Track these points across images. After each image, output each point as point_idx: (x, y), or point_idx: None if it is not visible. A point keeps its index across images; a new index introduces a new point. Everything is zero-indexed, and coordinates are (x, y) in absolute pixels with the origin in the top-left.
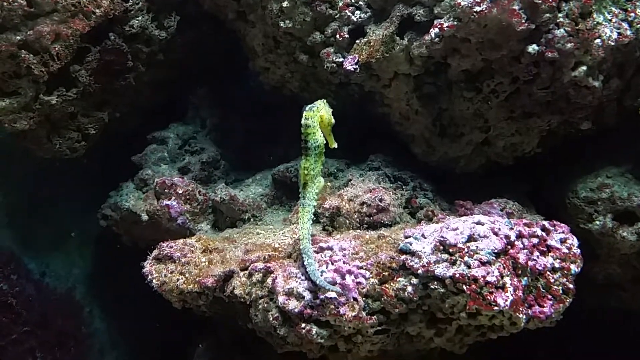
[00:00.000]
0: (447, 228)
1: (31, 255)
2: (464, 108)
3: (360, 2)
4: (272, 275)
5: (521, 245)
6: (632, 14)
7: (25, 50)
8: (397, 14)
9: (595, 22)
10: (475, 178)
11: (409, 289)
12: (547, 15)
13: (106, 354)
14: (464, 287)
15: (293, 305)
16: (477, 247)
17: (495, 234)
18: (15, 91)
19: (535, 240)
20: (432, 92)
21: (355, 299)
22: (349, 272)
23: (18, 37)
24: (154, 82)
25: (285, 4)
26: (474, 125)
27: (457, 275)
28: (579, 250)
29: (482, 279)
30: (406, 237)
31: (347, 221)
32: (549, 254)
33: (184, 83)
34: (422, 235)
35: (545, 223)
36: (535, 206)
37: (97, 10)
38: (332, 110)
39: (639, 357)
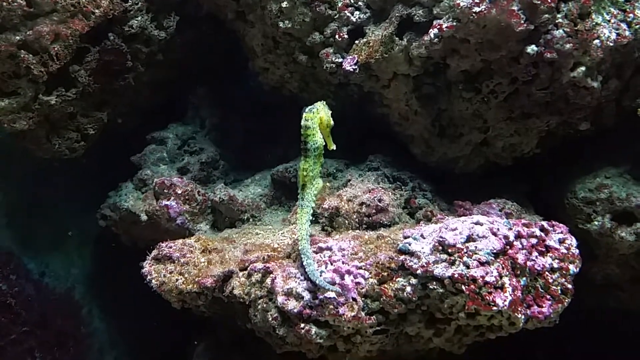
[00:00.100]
0: (446, 228)
1: (30, 255)
2: (463, 108)
3: (360, 3)
4: (271, 275)
5: (520, 246)
6: (631, 15)
7: (25, 50)
8: (396, 14)
9: (594, 23)
10: (474, 178)
11: (408, 289)
12: (546, 15)
13: (105, 353)
14: (463, 287)
15: (292, 305)
16: (476, 247)
17: (494, 234)
18: (14, 91)
19: (534, 241)
20: (431, 93)
21: (354, 299)
22: (348, 272)
23: (17, 37)
24: (154, 82)
25: (284, 4)
26: (473, 125)
27: (456, 276)
28: (577, 251)
29: (481, 279)
30: (405, 238)
31: (346, 221)
32: (548, 254)
33: (183, 83)
34: (421, 235)
35: (544, 223)
36: (534, 206)
37: (97, 11)
38: (331, 112)
39: (637, 358)
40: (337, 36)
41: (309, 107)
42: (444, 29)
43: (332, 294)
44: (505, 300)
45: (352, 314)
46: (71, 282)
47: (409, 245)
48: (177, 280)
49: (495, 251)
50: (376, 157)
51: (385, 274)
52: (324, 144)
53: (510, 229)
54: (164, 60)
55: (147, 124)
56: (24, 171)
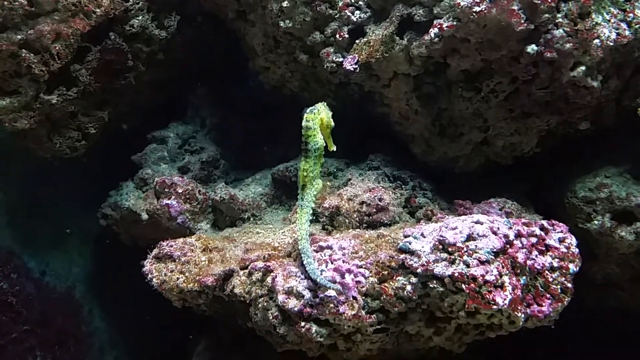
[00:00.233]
0: (446, 227)
1: (31, 254)
2: (464, 108)
3: (360, 2)
4: (271, 274)
5: (520, 245)
6: (631, 15)
7: (26, 49)
8: (397, 14)
9: (594, 23)
10: (475, 178)
11: (408, 287)
12: (546, 15)
13: (106, 352)
14: (463, 286)
15: (293, 304)
16: (476, 246)
17: (494, 233)
18: (15, 90)
19: (534, 240)
20: (431, 92)
21: (354, 298)
22: (349, 271)
23: (19, 37)
24: (154, 81)
25: (285, 4)
26: (473, 125)
27: (456, 274)
28: (577, 250)
29: (481, 278)
30: (405, 237)
31: (347, 220)
32: (548, 253)
33: (184, 83)
34: (422, 234)
35: (544, 222)
36: (534, 206)
37: (98, 10)
38: (332, 112)
39: (636, 357)
40: (337, 35)
41: (310, 107)
42: (445, 29)
43: (332, 293)
44: (505, 299)
45: (353, 312)
46: (72, 281)
47: (410, 244)
48: (178, 279)
49: (495, 250)
50: (376, 156)
51: (386, 272)
52: (325, 144)
53: (510, 228)
54: (164, 60)
55: (147, 123)
56: (24, 170)
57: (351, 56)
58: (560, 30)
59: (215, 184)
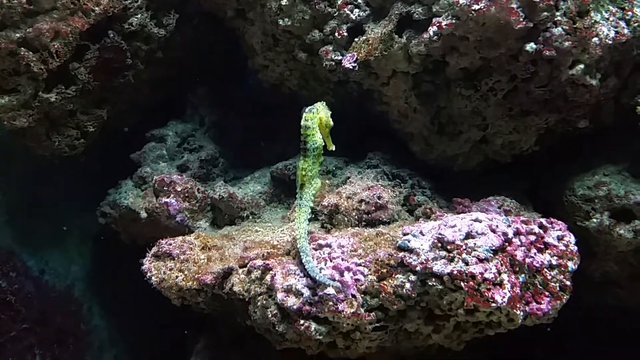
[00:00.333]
0: (445, 225)
1: (30, 253)
2: (462, 106)
3: (359, 1)
4: (270, 272)
5: (519, 243)
6: (630, 13)
7: (25, 47)
8: (396, 12)
9: (592, 21)
10: (473, 176)
11: (407, 285)
12: (545, 13)
13: (105, 351)
14: (462, 283)
15: (292, 301)
16: (474, 244)
17: (493, 231)
18: (14, 88)
19: (532, 238)
20: (430, 90)
21: (353, 296)
22: (348, 269)
23: (17, 35)
24: (153, 80)
25: (284, 2)
26: (472, 123)
27: (455, 272)
28: (576, 248)
29: (480, 275)
30: (404, 235)
31: (346, 218)
32: (547, 251)
33: (182, 81)
34: (420, 232)
35: (543, 220)
36: (533, 204)
37: (97, 8)
38: (330, 111)
39: (635, 354)
40: (336, 34)
41: (309, 107)
42: (443, 27)
43: (331, 291)
44: (504, 297)
45: (352, 310)
46: (71, 279)
47: (408, 242)
48: (177, 277)
49: (494, 248)
50: (375, 154)
51: (385, 270)
52: (324, 144)
53: (509, 226)
54: (163, 58)
55: (146, 121)
56: (23, 169)
57: (350, 54)
58: (559, 29)
59: (214, 182)
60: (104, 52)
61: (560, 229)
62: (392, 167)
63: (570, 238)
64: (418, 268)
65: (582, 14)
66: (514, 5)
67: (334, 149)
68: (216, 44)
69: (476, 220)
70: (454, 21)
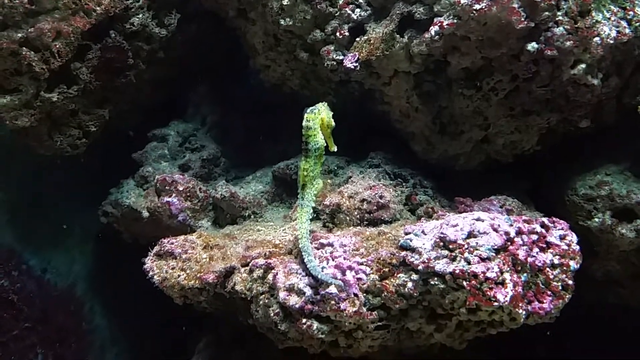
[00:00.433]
0: (447, 224)
1: (32, 252)
2: (464, 106)
3: (361, 0)
4: (272, 271)
5: (521, 242)
6: (631, 12)
7: (27, 47)
8: (397, 12)
9: (594, 21)
10: (475, 175)
11: (409, 284)
12: (546, 13)
13: (107, 350)
14: (464, 283)
15: (294, 300)
16: (476, 243)
17: (495, 230)
18: (16, 88)
19: (534, 237)
20: (432, 90)
21: (355, 295)
22: (350, 268)
23: (19, 35)
24: (155, 79)
25: (285, 2)
26: (474, 123)
27: (457, 271)
28: (578, 247)
29: (482, 274)
30: (406, 234)
31: (348, 218)
32: (549, 250)
33: (184, 81)
34: (422, 231)
35: (545, 220)
36: (535, 203)
37: (98, 8)
38: (332, 111)
39: (636, 353)
40: (338, 33)
41: (311, 107)
42: (445, 27)
43: (333, 290)
44: (506, 296)
45: (354, 309)
46: (73, 278)
47: (410, 241)
48: (179, 276)
49: (496, 247)
50: (377, 154)
51: (387, 269)
52: (325, 144)
53: (511, 225)
54: (165, 58)
55: (148, 121)
56: (25, 168)
57: (351, 54)
58: (561, 28)
59: (216, 181)
60: (105, 52)
61: (562, 228)
62: (394, 166)
63: (573, 237)
64: (420, 267)
65: (583, 14)
66: (515, 5)
67: (336, 149)
68: (217, 43)
69: (478, 219)
70: (455, 21)
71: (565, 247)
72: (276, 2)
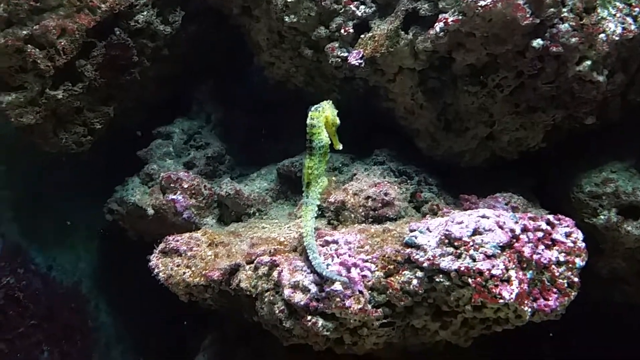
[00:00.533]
0: (452, 222)
1: (38, 249)
2: (469, 102)
3: None
4: (277, 268)
5: (526, 239)
6: (637, 9)
7: (31, 44)
8: (402, 8)
9: (599, 17)
10: (480, 172)
11: (415, 282)
12: (552, 9)
13: (112, 347)
14: (469, 280)
15: (299, 298)
16: (482, 240)
17: (500, 227)
18: (21, 85)
19: (540, 234)
20: (436, 87)
21: (360, 292)
22: (355, 265)
23: (24, 32)
24: (159, 77)
25: None
26: (479, 119)
27: (462, 269)
28: (583, 244)
29: (488, 272)
30: (411, 231)
31: (352, 215)
32: (554, 247)
33: (188, 78)
34: (427, 228)
35: (550, 217)
36: (540, 200)
37: (103, 5)
38: (337, 109)
39: None
40: (342, 30)
41: (315, 105)
42: (450, 23)
43: (338, 287)
44: (511, 293)
45: (359, 306)
46: (78, 276)
47: (415, 238)
48: (184, 273)
49: (501, 244)
50: (382, 151)
51: (392, 267)
52: (330, 142)
53: (517, 222)
54: (169, 55)
55: (153, 118)
56: (31, 166)
57: (356, 51)
58: (566, 25)
59: (221, 179)
60: (110, 49)
61: (568, 226)
62: (399, 163)
63: (578, 235)
64: (425, 264)
65: (588, 10)
66: (521, 2)
67: (341, 147)
68: (221, 40)
69: (483, 216)
70: (460, 17)
71: (571, 245)
72: None
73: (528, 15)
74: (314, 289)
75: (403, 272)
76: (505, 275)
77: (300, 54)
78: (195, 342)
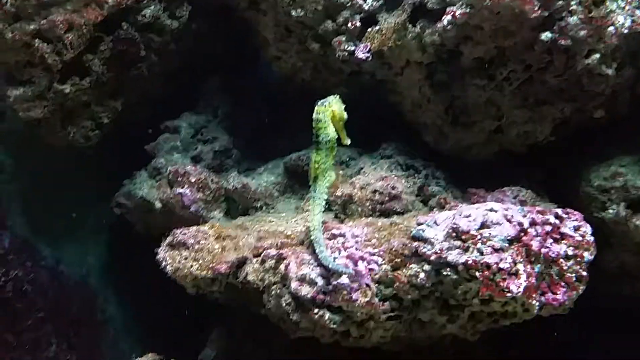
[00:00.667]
0: (459, 215)
1: (46, 243)
2: (477, 96)
3: None
4: (284, 261)
5: (534, 233)
6: None
7: (39, 39)
8: (409, 1)
9: (608, 10)
10: (488, 166)
11: (422, 275)
12: (560, 2)
13: (120, 340)
14: (477, 273)
15: (306, 290)
16: (490, 234)
17: (508, 221)
18: (29, 80)
19: (548, 228)
20: (444, 80)
21: (367, 285)
22: (362, 258)
23: (32, 26)
24: (166, 71)
25: None
26: (487, 113)
27: (469, 262)
28: (592, 238)
29: (495, 265)
30: (419, 224)
31: (360, 209)
32: (563, 241)
33: (196, 72)
34: (435, 222)
35: (559, 211)
36: (549, 194)
37: (110, 0)
38: (344, 102)
39: None
40: (349, 24)
41: (322, 100)
42: (458, 16)
43: (345, 280)
44: (519, 287)
45: (366, 299)
46: (86, 269)
47: (423, 231)
48: (191, 266)
49: (509, 238)
50: (389, 144)
51: (399, 260)
52: (337, 136)
53: (525, 216)
54: (176, 50)
55: (160, 113)
56: (39, 159)
57: (363, 45)
58: (575, 18)
59: (228, 173)
60: (117, 44)
61: (576, 220)
62: (406, 157)
63: (587, 228)
64: (432, 257)
65: (597, 3)
66: None
67: (349, 142)
68: (229, 34)
69: (491, 210)
70: (468, 10)
71: (580, 238)
72: None
73: (536, 8)
74: (320, 282)
75: (410, 266)
76: (513, 268)
77: (307, 48)
78: (203, 335)
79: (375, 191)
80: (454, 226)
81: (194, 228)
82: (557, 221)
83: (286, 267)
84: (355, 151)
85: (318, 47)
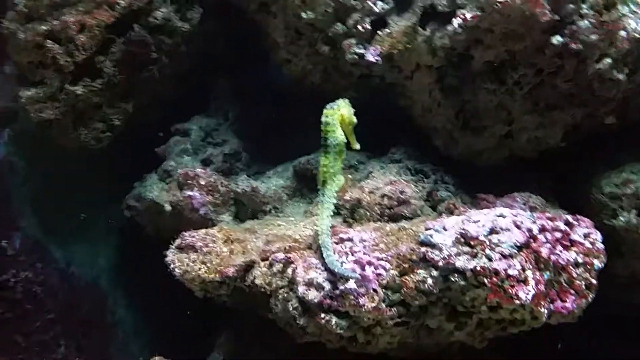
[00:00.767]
0: (468, 220)
1: (57, 244)
2: (487, 100)
3: None
4: (292, 265)
5: (544, 239)
6: None
7: (51, 40)
8: (420, 4)
9: (620, 14)
10: (498, 172)
11: (429, 281)
12: (571, 6)
13: (130, 342)
14: (485, 280)
15: (313, 295)
16: (498, 240)
17: (518, 227)
18: (41, 81)
19: (558, 235)
20: (454, 84)
21: (375, 290)
22: (369, 263)
23: (44, 27)
24: (177, 73)
25: None
26: (498, 117)
27: (478, 268)
28: (602, 246)
29: (504, 272)
30: (427, 229)
31: (368, 213)
32: (572, 248)
33: (206, 75)
34: (443, 227)
35: (569, 217)
36: (559, 201)
37: (122, 2)
38: (353, 105)
39: None
40: (359, 27)
41: (330, 103)
42: (468, 19)
43: (352, 285)
44: (528, 294)
45: (373, 305)
46: (97, 271)
47: (431, 237)
48: (199, 269)
49: (518, 244)
50: (398, 149)
51: (407, 265)
52: (346, 140)
53: (534, 222)
54: (187, 52)
55: (170, 115)
56: (50, 160)
57: (373, 48)
58: (586, 22)
59: (237, 176)
60: (129, 46)
61: (586, 226)
62: (415, 162)
63: (597, 235)
64: (440, 263)
65: (608, 7)
66: None
67: (358, 147)
68: (238, 35)
69: (500, 215)
70: (478, 13)
71: (590, 246)
72: None
73: (547, 12)
74: (328, 286)
75: (418, 271)
76: (522, 275)
77: (317, 51)
78: (211, 339)
79: (384, 196)
80: (463, 232)
81: (203, 231)
82: (567, 228)
83: (294, 271)
84: (364, 155)
85: (328, 49)
